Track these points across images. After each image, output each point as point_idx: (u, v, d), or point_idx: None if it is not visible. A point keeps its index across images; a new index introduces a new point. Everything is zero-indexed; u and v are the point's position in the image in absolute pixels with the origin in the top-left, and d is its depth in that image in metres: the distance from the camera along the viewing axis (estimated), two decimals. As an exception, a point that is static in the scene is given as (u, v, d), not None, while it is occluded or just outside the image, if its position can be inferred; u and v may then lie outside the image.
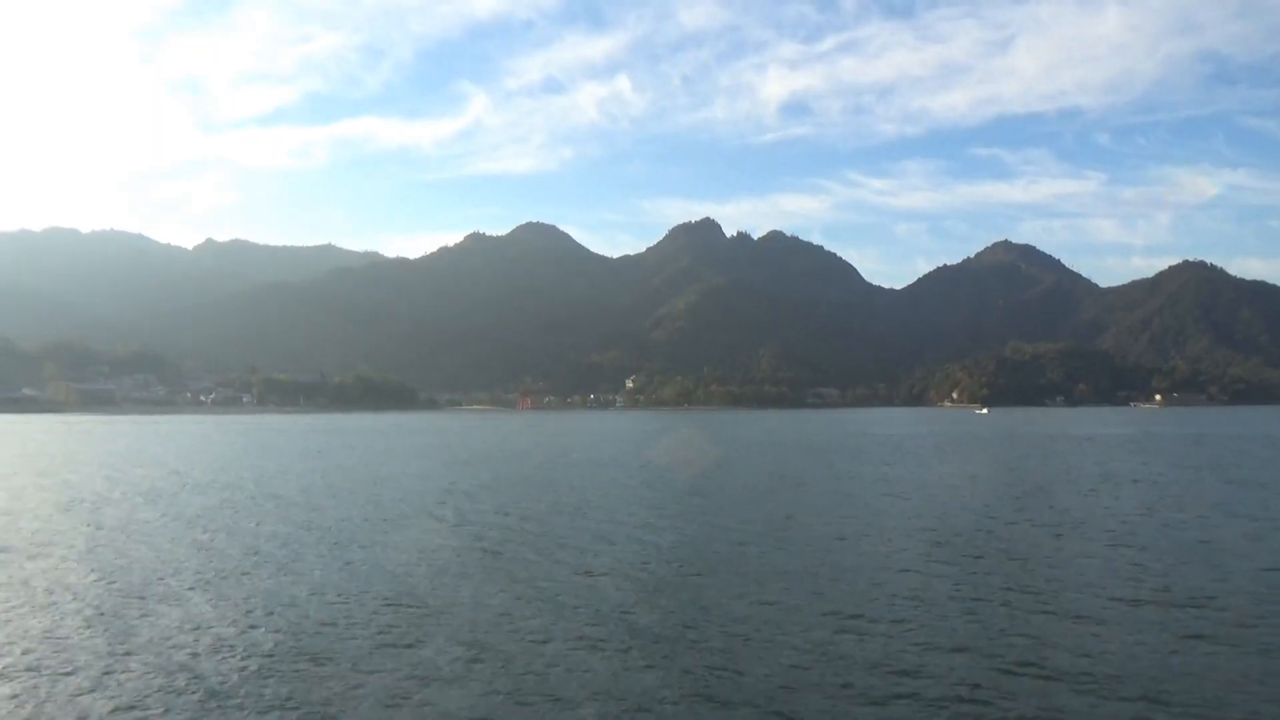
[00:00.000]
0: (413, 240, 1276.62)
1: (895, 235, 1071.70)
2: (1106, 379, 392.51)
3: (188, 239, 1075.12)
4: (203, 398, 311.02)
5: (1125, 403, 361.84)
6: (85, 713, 13.24)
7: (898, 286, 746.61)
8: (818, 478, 51.01)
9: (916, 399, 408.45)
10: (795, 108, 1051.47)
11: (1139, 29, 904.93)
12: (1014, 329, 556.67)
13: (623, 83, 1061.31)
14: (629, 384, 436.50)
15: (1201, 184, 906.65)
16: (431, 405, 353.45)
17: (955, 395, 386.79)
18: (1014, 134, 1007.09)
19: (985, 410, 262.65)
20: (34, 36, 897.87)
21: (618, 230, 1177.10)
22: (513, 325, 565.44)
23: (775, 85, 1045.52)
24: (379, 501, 38.95)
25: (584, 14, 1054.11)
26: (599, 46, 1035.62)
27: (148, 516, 34.19)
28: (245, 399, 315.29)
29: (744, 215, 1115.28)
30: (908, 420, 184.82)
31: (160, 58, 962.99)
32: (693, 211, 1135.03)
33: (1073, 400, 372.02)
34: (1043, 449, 79.98)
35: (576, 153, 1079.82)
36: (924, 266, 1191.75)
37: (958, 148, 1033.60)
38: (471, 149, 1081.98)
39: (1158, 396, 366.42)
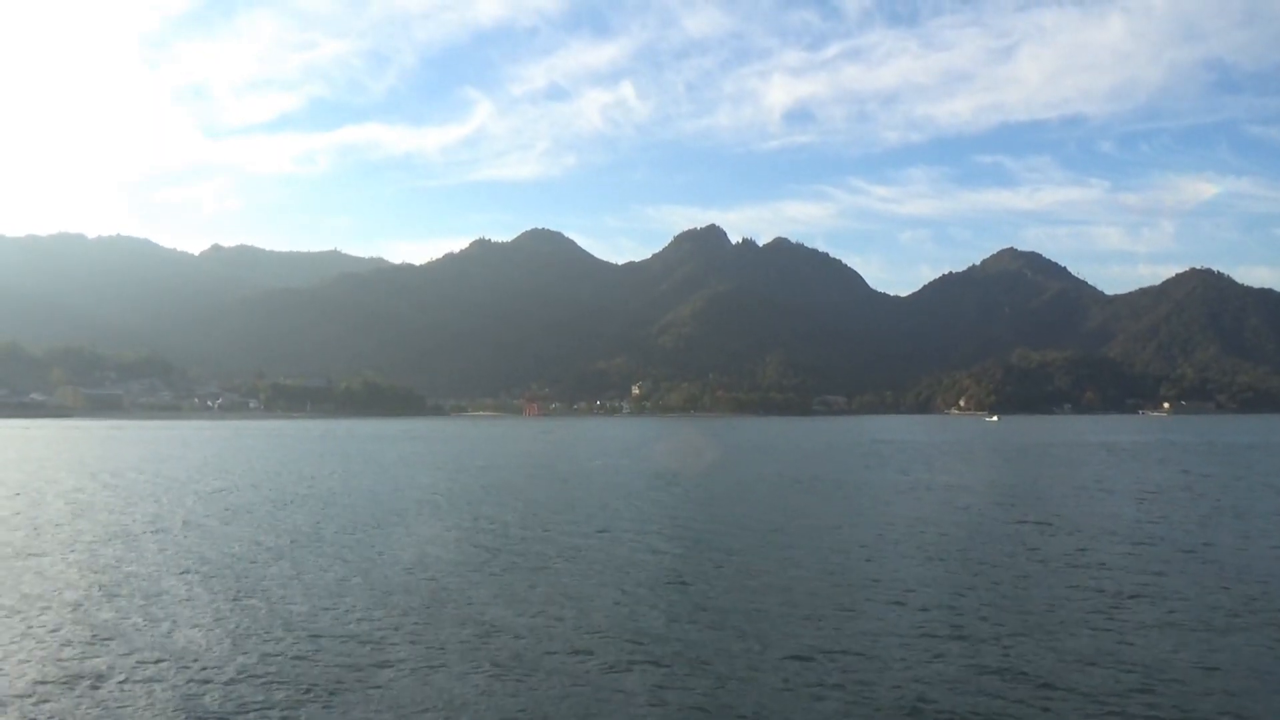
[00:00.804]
0: (418, 246, 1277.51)
1: (899, 242, 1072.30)
2: (1114, 387, 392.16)
3: (194, 244, 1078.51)
4: (209, 403, 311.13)
5: (1133, 411, 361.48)
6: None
7: (903, 294, 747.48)
8: (855, 485, 50.62)
9: (923, 406, 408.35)
10: (799, 115, 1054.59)
11: (1143, 36, 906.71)
12: (1020, 336, 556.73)
13: (627, 89, 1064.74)
14: (635, 390, 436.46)
15: (1205, 191, 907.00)
16: (438, 411, 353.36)
17: (962, 403, 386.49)
18: (1017, 141, 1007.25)
19: (995, 418, 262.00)
20: (41, 43, 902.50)
21: (621, 237, 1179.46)
22: (518, 331, 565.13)
23: (779, 92, 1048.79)
24: (440, 510, 38.66)
25: (588, 21, 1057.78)
26: (603, 53, 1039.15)
27: (232, 529, 33.94)
28: (252, 404, 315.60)
29: (748, 222, 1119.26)
30: (919, 428, 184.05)
31: (166, 64, 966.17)
32: (696, 218, 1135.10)
33: (1080, 408, 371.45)
34: (1071, 457, 79.48)
35: (580, 160, 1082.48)
36: (928, 274, 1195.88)
37: (961, 155, 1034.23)
38: (476, 156, 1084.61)
39: (1166, 405, 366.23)
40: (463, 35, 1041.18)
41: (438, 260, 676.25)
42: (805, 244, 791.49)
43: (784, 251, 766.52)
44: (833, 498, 43.81)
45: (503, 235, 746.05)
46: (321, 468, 64.01)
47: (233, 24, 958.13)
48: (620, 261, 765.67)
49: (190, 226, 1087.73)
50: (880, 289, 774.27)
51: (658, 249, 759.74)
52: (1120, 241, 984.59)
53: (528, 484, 51.57)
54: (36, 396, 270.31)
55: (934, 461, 72.92)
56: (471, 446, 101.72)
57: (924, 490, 47.05)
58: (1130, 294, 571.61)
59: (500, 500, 41.99)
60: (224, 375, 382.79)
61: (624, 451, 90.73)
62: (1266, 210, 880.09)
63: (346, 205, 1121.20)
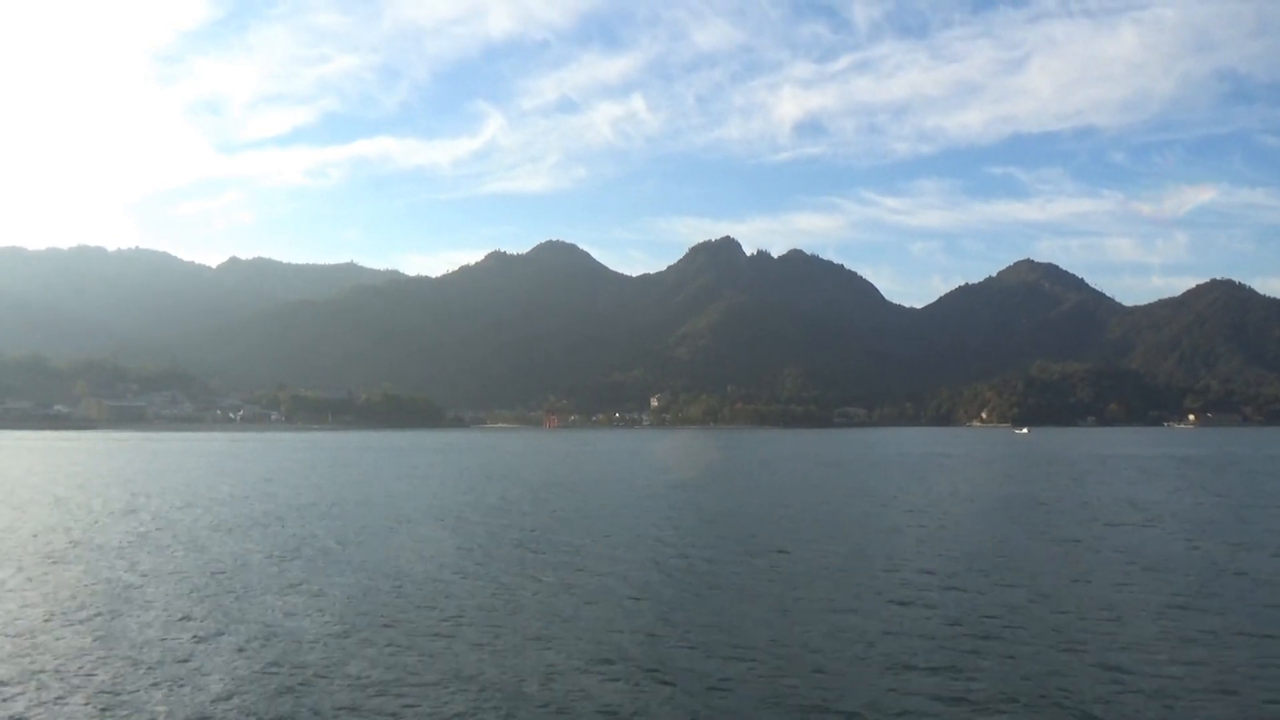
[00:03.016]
0: (433, 259, 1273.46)
1: (911, 254, 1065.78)
2: (1137, 399, 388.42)
3: (211, 257, 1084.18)
4: (231, 415, 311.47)
5: (1157, 422, 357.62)
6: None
7: (917, 305, 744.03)
8: (927, 499, 49.41)
9: (943, 419, 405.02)
10: (809, 127, 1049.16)
11: (1154, 48, 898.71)
12: (1039, 348, 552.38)
13: (637, 102, 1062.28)
14: (653, 402, 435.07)
15: (1219, 202, 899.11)
16: (458, 423, 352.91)
17: (984, 415, 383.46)
18: (1029, 153, 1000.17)
19: (1025, 431, 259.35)
20: (55, 60, 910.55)
21: (632, 249, 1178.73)
22: (533, 343, 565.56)
23: (789, 105, 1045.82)
24: (544, 528, 37.74)
25: (598, 35, 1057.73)
26: (613, 67, 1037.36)
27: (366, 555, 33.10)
28: (274, 416, 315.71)
29: (759, 234, 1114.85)
30: (949, 441, 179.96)
31: (179, 79, 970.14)
32: (708, 230, 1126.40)
33: (1104, 420, 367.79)
34: (1137, 469, 77.92)
35: (591, 172, 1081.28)
36: (940, 285, 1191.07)
37: (972, 166, 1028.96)
38: (487, 168, 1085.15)
39: (1191, 416, 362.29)
40: (474, 49, 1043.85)
41: (454, 272, 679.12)
42: (820, 255, 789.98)
43: (799, 263, 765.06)
44: (954, 515, 42.63)
45: (516, 247, 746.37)
46: (409, 483, 63.19)
47: (245, 39, 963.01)
48: (633, 273, 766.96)
49: (205, 240, 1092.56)
50: (894, 300, 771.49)
51: (671, 260, 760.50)
52: (1134, 253, 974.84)
53: (634, 500, 50.48)
54: (61, 409, 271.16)
55: (1005, 477, 71.53)
56: (529, 460, 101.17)
57: (1028, 507, 45.84)
58: (1150, 305, 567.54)
59: (625, 519, 40.85)
60: (245, 387, 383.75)
61: (684, 465, 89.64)
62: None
63: (359, 218, 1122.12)
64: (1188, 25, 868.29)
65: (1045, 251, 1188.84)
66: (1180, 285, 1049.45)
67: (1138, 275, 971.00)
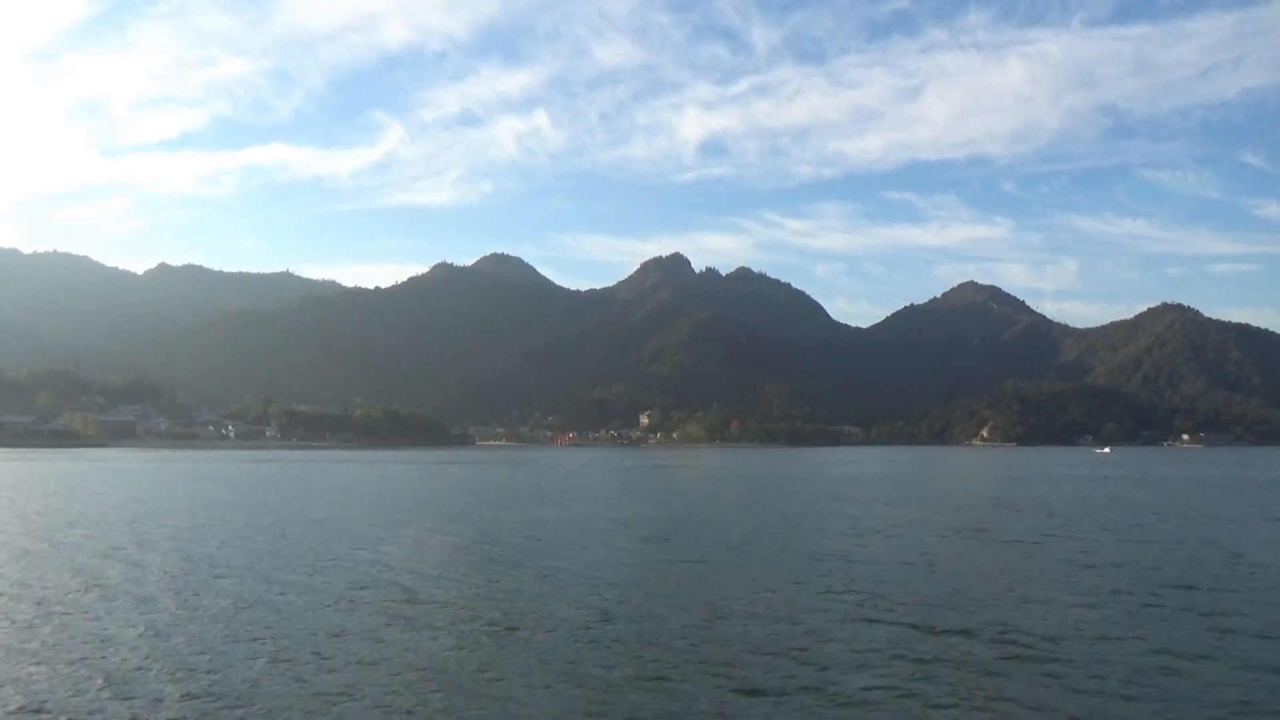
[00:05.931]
0: (371, 269, 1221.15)
1: (814, 275, 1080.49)
2: (1127, 419, 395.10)
3: (131, 263, 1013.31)
4: (223, 431, 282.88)
5: (1153, 442, 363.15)
6: None
7: (862, 325, 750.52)
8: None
9: (938, 437, 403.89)
10: (713, 147, 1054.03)
11: (1041, 81, 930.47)
12: (998, 368, 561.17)
13: (540, 118, 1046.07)
14: (644, 419, 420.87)
15: (1104, 231, 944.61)
16: (463, 441, 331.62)
17: (985, 434, 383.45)
18: (926, 179, 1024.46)
19: (1108, 450, 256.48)
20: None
21: (540, 265, 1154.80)
22: (496, 356, 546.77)
23: (693, 125, 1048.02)
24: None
25: (498, 48, 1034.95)
26: (514, 80, 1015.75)
27: None
28: (268, 433, 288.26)
29: (666, 253, 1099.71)
30: (1012, 462, 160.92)
31: (58, 79, 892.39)
32: (615, 248, 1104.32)
33: (1102, 440, 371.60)
34: None
35: (496, 186, 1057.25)
36: (868, 308, 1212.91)
37: (872, 191, 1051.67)
38: (388, 180, 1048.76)
39: (1185, 436, 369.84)
40: (370, 58, 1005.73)
41: (402, 283, 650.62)
42: (767, 274, 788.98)
43: (748, 281, 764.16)
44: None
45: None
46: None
47: (125, 38, 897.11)
48: (570, 286, 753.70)
49: (108, 244, 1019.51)
50: (839, 320, 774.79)
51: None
52: (1026, 279, 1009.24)
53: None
54: (59, 425, 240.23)
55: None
56: (629, 481, 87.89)
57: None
58: (1103, 327, 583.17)
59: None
60: (211, 400, 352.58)
61: (865, 484, 77.09)
62: (1160, 251, 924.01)
63: (255, 227, 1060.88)
64: (1072, 61, 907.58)
65: (945, 276, 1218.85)
66: (1071, 310, 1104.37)
67: (1033, 299, 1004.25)
